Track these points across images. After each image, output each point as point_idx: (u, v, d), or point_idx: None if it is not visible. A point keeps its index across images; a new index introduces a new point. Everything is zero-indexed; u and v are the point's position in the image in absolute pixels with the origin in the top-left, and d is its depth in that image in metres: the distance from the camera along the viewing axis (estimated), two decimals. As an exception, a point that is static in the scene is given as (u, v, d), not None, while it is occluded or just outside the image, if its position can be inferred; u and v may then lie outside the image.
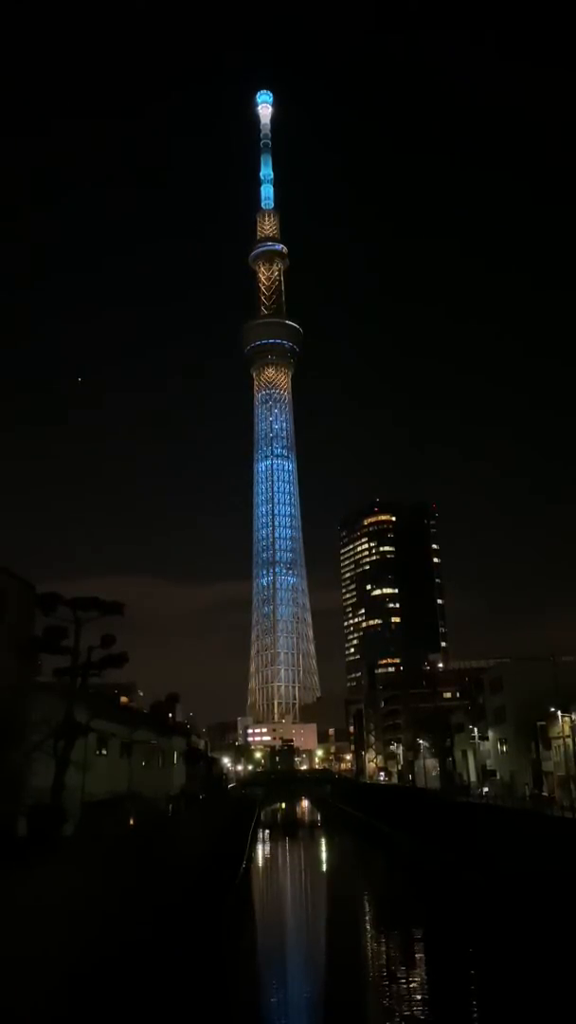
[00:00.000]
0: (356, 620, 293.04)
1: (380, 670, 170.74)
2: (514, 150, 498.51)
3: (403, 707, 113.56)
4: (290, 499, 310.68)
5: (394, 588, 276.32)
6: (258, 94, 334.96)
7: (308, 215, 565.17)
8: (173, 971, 26.77)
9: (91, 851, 28.23)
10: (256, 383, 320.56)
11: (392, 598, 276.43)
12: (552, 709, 54.79)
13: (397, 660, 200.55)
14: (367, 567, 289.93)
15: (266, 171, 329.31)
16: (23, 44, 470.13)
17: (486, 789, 64.40)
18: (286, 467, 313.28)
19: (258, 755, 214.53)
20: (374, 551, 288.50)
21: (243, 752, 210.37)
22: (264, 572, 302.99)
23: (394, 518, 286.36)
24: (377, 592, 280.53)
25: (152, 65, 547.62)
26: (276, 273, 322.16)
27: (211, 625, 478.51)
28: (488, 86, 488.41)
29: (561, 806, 44.60)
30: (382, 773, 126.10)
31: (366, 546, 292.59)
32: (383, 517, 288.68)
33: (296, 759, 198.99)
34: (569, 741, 52.57)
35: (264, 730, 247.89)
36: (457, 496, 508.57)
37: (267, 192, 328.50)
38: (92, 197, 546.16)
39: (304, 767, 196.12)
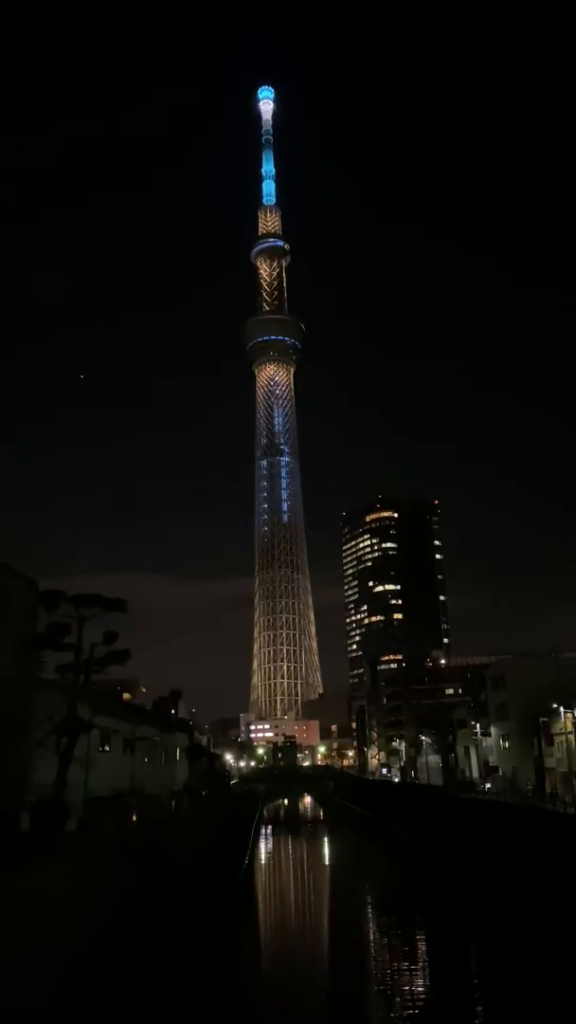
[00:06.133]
0: (358, 616, 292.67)
1: (382, 666, 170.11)
2: (517, 149, 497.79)
3: (405, 703, 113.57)
4: (292, 495, 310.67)
5: (396, 584, 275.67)
6: (259, 90, 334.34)
7: (310, 211, 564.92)
8: (176, 967, 26.81)
9: (94, 847, 28.27)
10: (258, 379, 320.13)
11: (394, 594, 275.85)
12: (555, 705, 54.81)
13: (399, 656, 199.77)
14: (369, 563, 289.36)
15: (268, 167, 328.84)
16: (23, 43, 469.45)
17: (488, 785, 64.43)
18: (288, 463, 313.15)
19: (261, 751, 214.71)
20: (376, 547, 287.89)
21: (246, 748, 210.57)
22: (266, 568, 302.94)
23: (396, 514, 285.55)
24: (379, 588, 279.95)
25: (152, 63, 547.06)
26: (278, 270, 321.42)
27: (214, 622, 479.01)
28: (491, 84, 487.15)
29: (564, 802, 44.65)
30: (384, 769, 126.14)
31: (368, 542, 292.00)
32: (385, 513, 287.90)
33: (298, 755, 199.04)
34: (572, 737, 52.55)
35: (267, 726, 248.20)
36: (459, 493, 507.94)
37: (269, 188, 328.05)
38: (93, 195, 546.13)
39: (307, 763, 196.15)
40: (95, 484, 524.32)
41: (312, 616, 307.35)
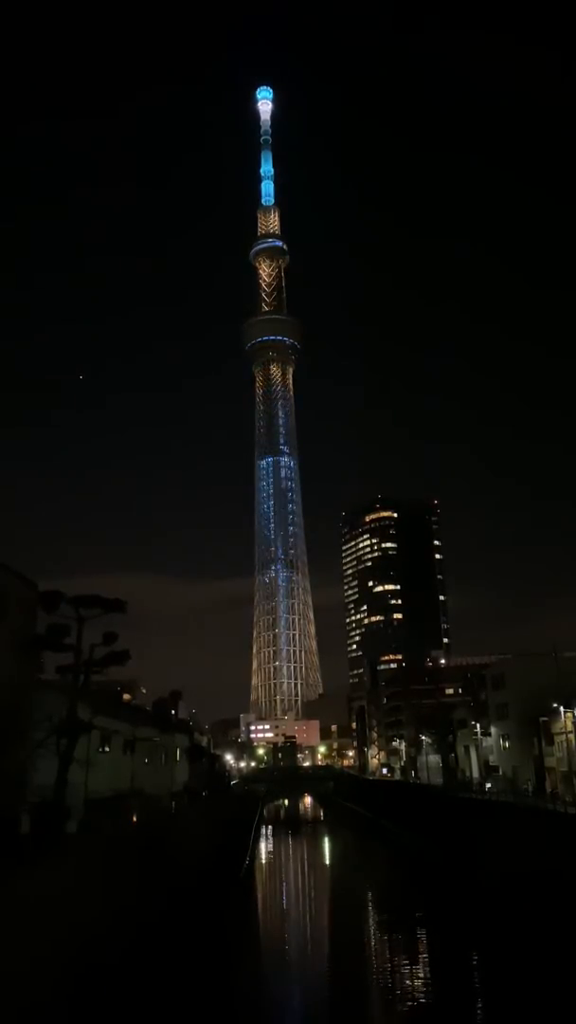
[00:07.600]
0: (358, 616, 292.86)
1: (382, 666, 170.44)
2: (517, 147, 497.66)
3: (405, 703, 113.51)
4: (292, 495, 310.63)
5: (396, 584, 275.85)
6: (258, 90, 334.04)
7: (309, 211, 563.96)
8: (177, 970, 26.79)
9: (93, 848, 28.26)
10: (257, 380, 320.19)
11: (394, 594, 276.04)
12: (555, 705, 54.82)
13: (399, 656, 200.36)
14: (369, 563, 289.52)
15: (266, 168, 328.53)
16: (22, 42, 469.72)
17: (489, 785, 64.44)
18: (288, 464, 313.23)
19: (261, 752, 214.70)
20: (376, 547, 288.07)
21: (246, 749, 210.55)
22: (266, 569, 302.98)
23: (396, 514, 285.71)
24: (379, 588, 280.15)
25: (151, 63, 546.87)
26: (277, 270, 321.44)
27: (213, 622, 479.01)
28: (490, 82, 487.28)
29: (564, 801, 44.63)
30: (385, 769, 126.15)
31: (368, 542, 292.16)
32: (384, 513, 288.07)
33: (299, 756, 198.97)
34: (572, 737, 52.58)
35: (267, 727, 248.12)
36: (459, 493, 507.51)
37: (267, 189, 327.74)
38: (92, 196, 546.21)
39: (307, 764, 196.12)
40: (94, 484, 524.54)
41: (312, 616, 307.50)
